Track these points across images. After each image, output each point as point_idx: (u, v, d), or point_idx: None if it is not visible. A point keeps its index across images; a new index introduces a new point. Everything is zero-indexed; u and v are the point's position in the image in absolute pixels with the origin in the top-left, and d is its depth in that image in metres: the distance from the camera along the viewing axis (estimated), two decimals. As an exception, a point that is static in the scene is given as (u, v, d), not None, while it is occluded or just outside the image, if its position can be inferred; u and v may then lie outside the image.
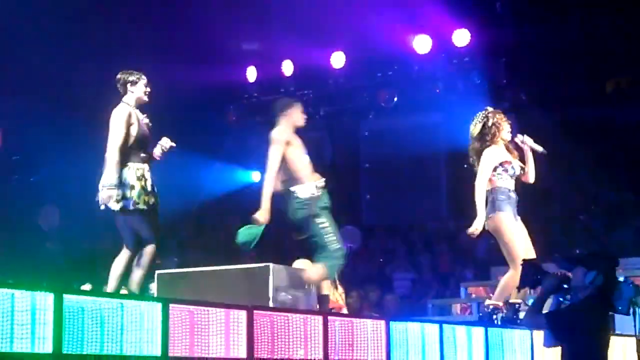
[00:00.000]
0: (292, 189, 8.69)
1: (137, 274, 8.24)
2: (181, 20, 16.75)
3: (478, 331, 8.45)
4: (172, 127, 17.88)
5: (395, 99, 17.22)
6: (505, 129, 9.48)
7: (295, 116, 8.76)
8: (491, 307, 9.30)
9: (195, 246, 19.30)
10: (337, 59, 17.35)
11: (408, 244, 18.15)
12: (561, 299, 6.74)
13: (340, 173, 19.20)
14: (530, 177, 9.59)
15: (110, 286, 8.13)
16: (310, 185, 8.71)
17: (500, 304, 9.24)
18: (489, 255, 13.49)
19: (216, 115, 18.55)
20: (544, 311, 6.75)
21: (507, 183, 9.37)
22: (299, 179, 8.71)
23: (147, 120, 8.30)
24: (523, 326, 8.61)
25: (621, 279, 6.84)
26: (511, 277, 9.13)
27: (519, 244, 9.23)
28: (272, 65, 17.77)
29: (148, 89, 8.29)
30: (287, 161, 8.69)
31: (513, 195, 9.38)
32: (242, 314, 6.47)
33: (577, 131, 15.56)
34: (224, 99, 18.60)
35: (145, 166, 8.22)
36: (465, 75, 16.52)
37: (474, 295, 12.68)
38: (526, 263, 7.06)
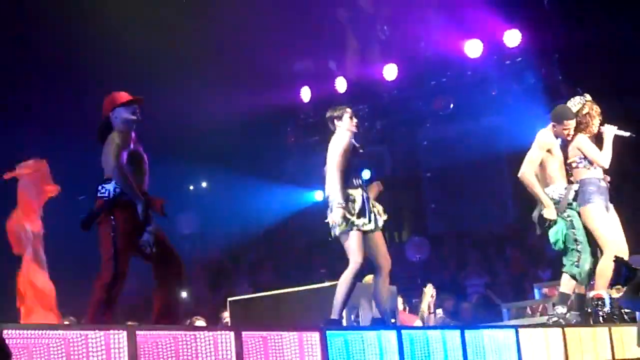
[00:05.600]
0: None
1: None
2: (233, 45, 16.86)
3: (555, 332, 8.36)
4: (233, 152, 18.18)
5: (451, 105, 17.13)
6: (595, 124, 9.40)
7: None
8: (595, 297, 9.16)
9: (266, 268, 19.38)
10: (390, 71, 17.31)
11: (478, 250, 18.03)
12: None
13: (402, 184, 19.18)
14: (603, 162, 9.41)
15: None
16: None
17: (604, 293, 9.10)
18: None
19: (275, 138, 18.64)
20: None
21: (595, 173, 9.30)
22: None
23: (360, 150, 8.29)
24: (622, 306, 8.51)
25: None
26: (603, 263, 9.03)
27: (607, 231, 9.14)
28: (326, 83, 17.79)
29: (355, 120, 8.31)
30: None
31: (603, 183, 9.31)
32: (316, 336, 6.46)
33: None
34: (281, 121, 18.67)
35: (358, 191, 8.17)
36: (519, 76, 16.40)
37: (548, 295, 12.55)
38: (617, 261, 7.03)
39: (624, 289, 6.92)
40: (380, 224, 8.20)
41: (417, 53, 17.35)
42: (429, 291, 12.20)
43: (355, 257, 7.96)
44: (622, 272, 6.86)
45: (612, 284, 8.92)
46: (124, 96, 7.44)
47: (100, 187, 7.17)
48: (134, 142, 7.37)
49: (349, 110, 8.39)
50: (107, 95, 7.50)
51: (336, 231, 8.03)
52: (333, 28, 17.99)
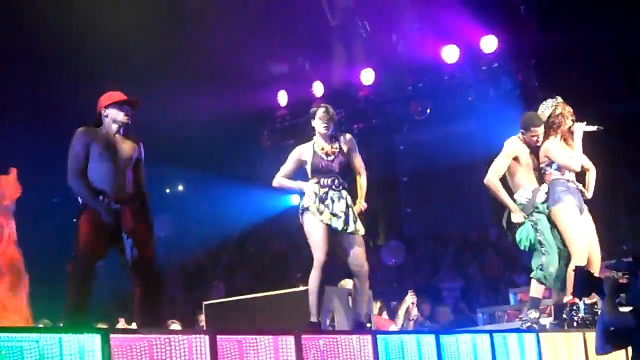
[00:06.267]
0: None
1: None
2: (210, 48, 16.83)
3: (529, 337, 8.38)
4: (209, 155, 18.16)
5: (428, 110, 17.17)
6: (567, 125, 9.41)
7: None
8: (570, 303, 9.19)
9: (240, 272, 19.36)
10: (367, 76, 17.35)
11: (454, 254, 18.07)
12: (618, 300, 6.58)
13: (379, 188, 19.20)
14: (574, 166, 9.42)
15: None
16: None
17: (577, 299, 9.14)
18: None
19: (251, 141, 18.62)
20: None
21: (565, 175, 9.32)
22: None
23: (328, 150, 8.28)
24: (606, 322, 8.47)
25: None
26: (572, 269, 9.04)
27: (577, 232, 9.14)
28: (303, 87, 17.80)
29: (323, 122, 8.28)
30: None
31: (572, 185, 9.32)
32: (290, 340, 6.44)
33: (616, 126, 15.43)
34: (257, 124, 18.67)
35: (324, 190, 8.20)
36: (496, 81, 16.47)
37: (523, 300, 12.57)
38: (578, 271, 6.86)
39: (604, 306, 6.71)
40: (352, 228, 8.18)
41: (394, 58, 17.38)
42: (409, 299, 12.24)
43: (317, 254, 8.03)
44: (583, 283, 6.68)
45: (572, 295, 8.96)
46: (117, 95, 7.48)
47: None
48: (116, 141, 7.42)
49: (319, 110, 8.35)
50: (102, 93, 7.54)
51: (303, 217, 8.14)
52: (311, 32, 18.00)
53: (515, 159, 9.40)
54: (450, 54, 16.52)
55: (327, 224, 8.08)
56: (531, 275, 9.30)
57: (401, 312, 12.10)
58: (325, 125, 8.29)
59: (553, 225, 9.28)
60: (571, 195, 9.28)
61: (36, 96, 15.63)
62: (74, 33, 14.90)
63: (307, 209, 8.15)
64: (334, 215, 8.11)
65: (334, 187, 8.21)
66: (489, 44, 16.17)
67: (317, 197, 8.14)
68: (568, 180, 9.33)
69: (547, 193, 9.31)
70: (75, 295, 7.11)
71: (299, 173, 8.49)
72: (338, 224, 8.10)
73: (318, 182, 8.22)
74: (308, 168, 8.33)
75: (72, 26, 14.91)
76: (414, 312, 12.30)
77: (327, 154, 8.28)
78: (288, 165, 8.49)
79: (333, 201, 8.15)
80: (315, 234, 8.08)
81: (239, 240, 19.94)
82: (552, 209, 9.25)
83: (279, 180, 8.51)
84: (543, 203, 9.30)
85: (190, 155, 17.88)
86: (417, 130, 18.23)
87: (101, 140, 7.36)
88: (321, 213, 8.09)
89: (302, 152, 8.40)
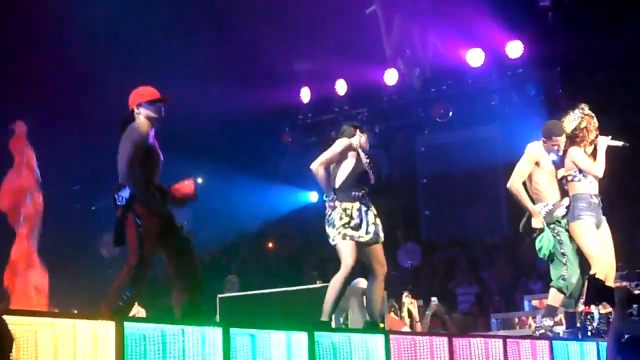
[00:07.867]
0: None
1: None
2: (235, 43, 16.85)
3: (542, 344, 8.36)
4: (230, 150, 18.17)
5: (450, 113, 17.15)
6: (591, 138, 9.39)
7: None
8: (584, 312, 9.19)
9: (256, 267, 19.37)
10: (390, 76, 17.32)
11: (470, 259, 18.03)
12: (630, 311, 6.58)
13: (398, 190, 19.19)
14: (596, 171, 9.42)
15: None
16: None
17: (593, 308, 9.14)
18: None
19: (272, 137, 18.63)
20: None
21: (588, 188, 9.29)
22: None
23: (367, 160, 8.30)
24: (617, 333, 8.42)
25: None
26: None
27: (595, 247, 9.11)
28: (326, 85, 17.79)
29: (367, 143, 8.34)
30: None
31: (595, 199, 9.28)
32: (304, 336, 6.45)
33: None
34: (279, 120, 18.68)
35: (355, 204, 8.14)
36: (520, 87, 16.43)
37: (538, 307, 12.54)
38: (592, 279, 6.91)
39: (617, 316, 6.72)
40: (381, 238, 8.18)
41: (418, 59, 17.35)
42: (406, 300, 12.26)
43: (346, 261, 7.94)
44: (595, 291, 6.72)
45: (585, 304, 8.95)
46: (150, 92, 7.32)
47: (117, 197, 7.05)
48: (152, 138, 7.31)
49: (365, 133, 8.35)
50: (133, 89, 7.35)
51: (331, 241, 8.05)
52: (335, 30, 17.98)
53: (537, 164, 9.38)
54: (475, 57, 16.49)
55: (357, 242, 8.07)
56: (551, 285, 9.27)
57: (404, 314, 12.14)
58: (367, 146, 8.33)
59: (572, 240, 9.26)
60: (591, 213, 9.23)
61: (61, 87, 15.68)
62: (96, 26, 14.96)
63: (337, 236, 8.01)
64: (367, 233, 8.07)
65: (364, 201, 8.17)
66: (514, 49, 16.14)
67: (349, 226, 8.05)
68: (591, 195, 9.29)
69: (567, 208, 9.28)
70: (136, 281, 6.86)
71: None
72: (366, 239, 8.08)
73: (355, 197, 8.13)
74: (349, 167, 8.18)
75: (95, 20, 14.96)
76: (416, 312, 12.33)
77: (369, 162, 8.26)
78: (335, 151, 8.17)
79: (362, 218, 8.09)
80: (345, 247, 7.97)
81: (256, 235, 19.95)
82: (571, 225, 9.23)
83: (322, 171, 8.13)
84: (564, 217, 9.27)
85: (211, 148, 17.90)
86: (438, 133, 18.21)
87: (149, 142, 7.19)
88: (351, 237, 8.03)
89: (352, 146, 8.20)
